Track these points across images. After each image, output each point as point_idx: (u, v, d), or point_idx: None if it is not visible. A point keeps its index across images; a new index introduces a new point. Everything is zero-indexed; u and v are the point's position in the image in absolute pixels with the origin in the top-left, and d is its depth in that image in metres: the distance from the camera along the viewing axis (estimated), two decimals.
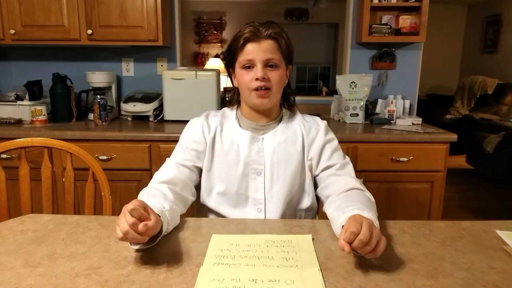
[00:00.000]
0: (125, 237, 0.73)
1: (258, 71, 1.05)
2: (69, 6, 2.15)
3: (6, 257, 0.79)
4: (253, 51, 1.05)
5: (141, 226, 0.73)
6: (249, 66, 1.07)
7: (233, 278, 0.72)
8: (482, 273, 0.75)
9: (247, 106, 1.14)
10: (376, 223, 0.85)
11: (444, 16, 5.82)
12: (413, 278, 0.73)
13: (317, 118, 1.21)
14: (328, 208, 1.02)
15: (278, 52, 1.07)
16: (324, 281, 0.72)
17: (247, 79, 1.07)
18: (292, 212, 1.15)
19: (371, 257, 0.75)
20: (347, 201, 0.96)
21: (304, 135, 1.15)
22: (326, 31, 6.59)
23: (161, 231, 0.83)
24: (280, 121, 1.17)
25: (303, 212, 1.16)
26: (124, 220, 0.73)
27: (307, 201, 1.15)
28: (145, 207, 0.77)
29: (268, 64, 1.06)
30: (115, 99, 2.49)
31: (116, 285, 0.70)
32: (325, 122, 1.19)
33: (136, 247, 0.81)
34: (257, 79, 1.05)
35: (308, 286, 0.70)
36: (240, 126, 1.15)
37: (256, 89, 1.06)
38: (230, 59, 1.12)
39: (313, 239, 0.89)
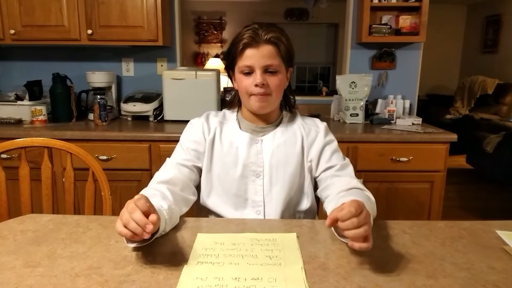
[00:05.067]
0: (125, 229, 0.73)
1: (257, 77, 1.04)
2: (69, 6, 2.15)
3: (6, 257, 0.79)
4: (252, 56, 1.04)
5: (149, 226, 0.72)
6: (248, 72, 1.06)
7: (216, 276, 0.72)
8: (482, 273, 0.75)
9: (247, 109, 1.14)
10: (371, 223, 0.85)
11: (444, 16, 5.82)
12: (413, 278, 0.73)
13: (317, 120, 1.21)
14: (327, 206, 1.02)
15: (277, 57, 1.06)
16: (323, 280, 0.72)
17: (246, 85, 1.07)
18: (292, 214, 1.15)
19: (364, 244, 0.74)
20: (345, 196, 0.97)
21: (304, 137, 1.15)
22: (326, 31, 6.59)
23: (157, 230, 0.83)
24: (279, 123, 1.17)
25: (303, 214, 1.16)
26: (126, 212, 0.74)
27: (306, 203, 1.15)
28: (149, 202, 0.78)
29: (267, 69, 1.06)
30: (115, 99, 2.49)
31: (116, 285, 0.70)
32: (325, 123, 1.19)
33: (133, 245, 0.81)
34: (256, 85, 1.05)
35: (291, 283, 0.70)
36: (240, 128, 1.15)
37: (255, 94, 1.06)
38: (229, 63, 1.12)
39: (297, 237, 0.89)
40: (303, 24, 6.34)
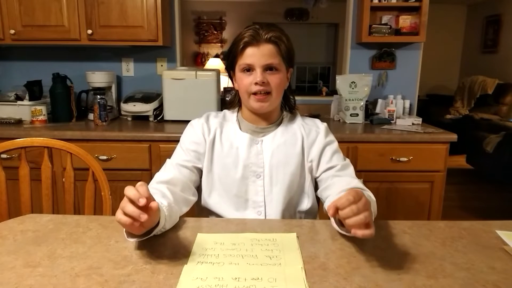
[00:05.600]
0: (124, 216, 0.72)
1: (257, 75, 1.05)
2: (69, 6, 2.15)
3: (6, 257, 0.79)
4: (253, 55, 1.04)
5: (142, 200, 0.71)
6: (248, 70, 1.06)
7: (216, 276, 0.72)
8: (482, 273, 0.75)
9: (247, 109, 1.14)
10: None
11: (444, 16, 5.83)
12: (413, 278, 0.73)
13: (317, 121, 1.21)
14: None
15: (278, 56, 1.06)
16: (323, 280, 0.72)
17: (247, 83, 1.07)
18: (292, 214, 1.15)
19: (367, 231, 0.74)
20: None
21: (304, 137, 1.15)
22: (326, 31, 6.59)
23: (157, 224, 0.83)
24: (280, 123, 1.17)
25: (303, 214, 1.16)
26: (125, 199, 0.73)
27: (307, 203, 1.15)
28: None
29: (267, 68, 1.06)
30: (115, 99, 2.49)
31: (116, 285, 0.70)
32: (325, 124, 1.19)
33: (133, 239, 0.82)
34: (256, 83, 1.05)
35: (291, 283, 0.70)
36: (240, 129, 1.15)
37: (255, 93, 1.06)
38: (230, 62, 1.12)
39: (297, 237, 0.89)
40: (303, 24, 6.34)
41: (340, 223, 0.86)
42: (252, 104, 1.09)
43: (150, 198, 0.74)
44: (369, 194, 1.02)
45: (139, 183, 0.76)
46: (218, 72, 2.27)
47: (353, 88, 2.33)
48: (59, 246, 0.84)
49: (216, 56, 5.96)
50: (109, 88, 2.43)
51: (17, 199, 1.27)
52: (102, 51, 2.54)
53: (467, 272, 0.75)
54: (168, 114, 2.26)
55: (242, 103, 1.16)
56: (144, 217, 0.72)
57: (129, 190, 0.73)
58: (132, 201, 0.72)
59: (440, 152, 2.04)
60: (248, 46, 1.05)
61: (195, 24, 6.26)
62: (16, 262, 0.77)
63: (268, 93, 1.07)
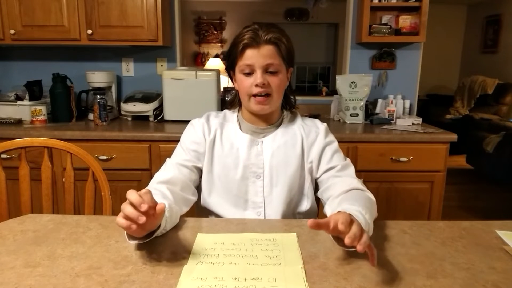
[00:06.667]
0: (123, 220, 0.72)
1: (258, 77, 1.04)
2: (69, 6, 2.15)
3: (6, 257, 0.79)
4: (253, 56, 1.04)
5: (144, 205, 0.71)
6: (249, 73, 1.06)
7: (216, 276, 0.72)
8: (482, 273, 0.75)
9: (247, 110, 1.14)
10: (371, 226, 0.86)
11: (444, 16, 5.82)
12: (413, 278, 0.73)
13: (317, 121, 1.20)
14: (328, 210, 1.02)
15: (278, 57, 1.06)
16: (323, 280, 0.72)
17: (247, 85, 1.06)
18: (292, 215, 1.15)
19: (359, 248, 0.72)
20: (346, 199, 0.97)
21: (304, 138, 1.14)
22: (326, 31, 6.59)
23: (158, 226, 0.84)
24: (280, 124, 1.17)
25: (303, 215, 1.16)
26: (126, 201, 0.73)
27: (306, 204, 1.15)
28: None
29: (268, 70, 1.06)
30: (115, 99, 2.49)
31: (116, 285, 0.70)
32: (325, 124, 1.19)
33: (134, 241, 0.82)
34: (256, 85, 1.05)
35: (291, 283, 0.70)
36: (240, 129, 1.15)
37: (255, 95, 1.06)
38: (230, 64, 1.12)
39: (297, 237, 0.89)
40: (303, 24, 6.34)
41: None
42: (252, 107, 1.08)
43: (153, 207, 0.74)
44: (369, 196, 1.02)
45: (144, 190, 0.76)
46: (218, 72, 2.27)
47: (353, 88, 2.33)
48: (59, 246, 0.84)
49: (216, 56, 5.95)
50: (109, 88, 2.43)
51: (17, 199, 1.27)
52: (102, 51, 2.54)
53: (467, 272, 0.75)
54: (168, 114, 2.26)
55: (242, 104, 1.16)
56: (142, 219, 0.72)
57: (132, 195, 0.73)
58: (132, 204, 0.72)
59: (440, 152, 2.04)
60: (248, 48, 1.04)
61: (195, 24, 6.26)
62: (16, 262, 0.77)
63: (268, 95, 1.06)
